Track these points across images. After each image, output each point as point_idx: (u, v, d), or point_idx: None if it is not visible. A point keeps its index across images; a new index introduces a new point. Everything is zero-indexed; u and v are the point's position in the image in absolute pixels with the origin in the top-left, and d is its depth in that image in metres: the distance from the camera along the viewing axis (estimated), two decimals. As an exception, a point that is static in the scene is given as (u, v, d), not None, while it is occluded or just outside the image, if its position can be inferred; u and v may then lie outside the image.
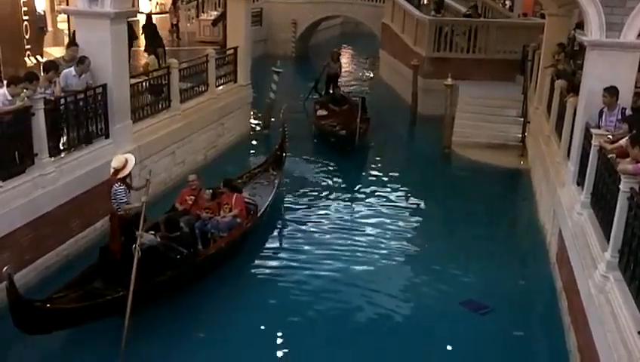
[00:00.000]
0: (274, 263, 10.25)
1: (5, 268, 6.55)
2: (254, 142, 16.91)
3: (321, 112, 17.38)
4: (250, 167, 13.00)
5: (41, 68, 10.58)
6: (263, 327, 8.37)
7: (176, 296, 8.44)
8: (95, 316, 7.46)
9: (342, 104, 17.47)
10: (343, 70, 21.41)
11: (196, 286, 8.81)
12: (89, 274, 7.97)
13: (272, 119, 17.27)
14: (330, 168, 14.95)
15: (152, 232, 8.62)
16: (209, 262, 9.12)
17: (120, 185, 8.14)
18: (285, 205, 12.46)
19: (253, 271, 9.99)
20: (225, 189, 10.09)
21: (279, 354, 7.86)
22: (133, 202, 8.44)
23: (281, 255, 10.57)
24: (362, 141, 15.32)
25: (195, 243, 9.31)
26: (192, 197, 9.91)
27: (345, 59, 29.79)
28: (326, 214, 12.16)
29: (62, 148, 9.59)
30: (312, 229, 11.46)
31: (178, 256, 8.58)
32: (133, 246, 7.71)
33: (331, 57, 19.75)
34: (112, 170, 8.20)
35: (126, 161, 8.15)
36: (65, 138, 9.66)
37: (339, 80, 19.66)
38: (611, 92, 8.87)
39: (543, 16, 18.44)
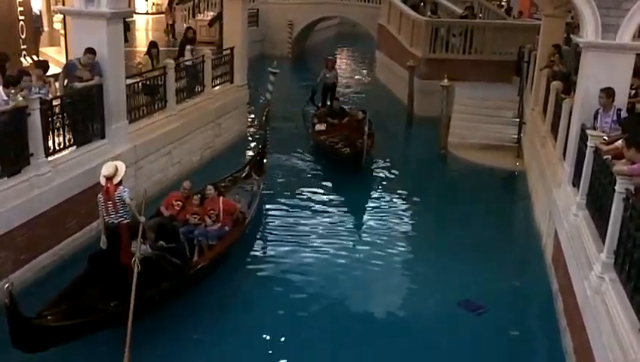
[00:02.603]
0: (269, 263, 10.23)
1: (6, 285, 6.48)
2: (251, 143, 16.90)
3: (320, 127, 16.27)
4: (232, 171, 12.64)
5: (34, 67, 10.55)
6: (261, 327, 8.35)
7: (171, 297, 8.39)
8: (92, 331, 7.35)
9: (341, 117, 16.47)
10: (339, 70, 20.55)
11: (191, 286, 8.78)
12: (80, 285, 7.80)
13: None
14: (323, 169, 14.93)
15: (142, 240, 8.28)
16: (203, 271, 9.03)
17: (124, 189, 7.97)
18: (278, 206, 12.41)
19: (248, 270, 9.98)
20: (211, 192, 9.96)
21: (278, 353, 7.85)
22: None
23: (276, 255, 10.54)
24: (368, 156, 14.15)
25: (184, 250, 9.22)
26: (180, 203, 9.76)
27: (341, 61, 29.73)
28: (319, 216, 12.11)
29: (58, 148, 9.55)
30: (305, 231, 11.41)
31: (170, 268, 8.38)
32: (133, 259, 7.64)
33: (326, 66, 18.03)
34: (103, 180, 7.79)
35: (116, 167, 8.00)
36: (61, 138, 9.62)
37: (336, 89, 18.44)
38: (608, 93, 8.91)
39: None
